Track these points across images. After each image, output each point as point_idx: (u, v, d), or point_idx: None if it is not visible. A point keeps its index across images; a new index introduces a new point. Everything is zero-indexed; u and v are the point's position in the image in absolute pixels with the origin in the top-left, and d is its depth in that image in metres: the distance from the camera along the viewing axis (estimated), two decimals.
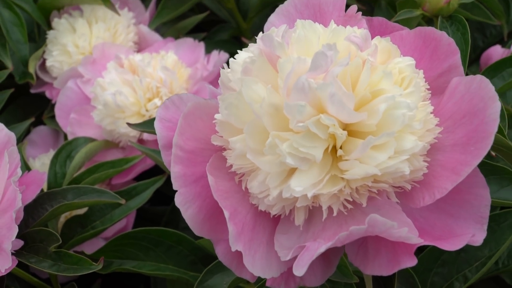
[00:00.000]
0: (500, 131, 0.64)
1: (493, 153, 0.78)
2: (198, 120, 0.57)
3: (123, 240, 0.83)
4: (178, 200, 0.55)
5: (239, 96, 0.53)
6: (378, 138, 0.51)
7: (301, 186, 0.52)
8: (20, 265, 0.82)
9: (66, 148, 0.93)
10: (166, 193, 1.04)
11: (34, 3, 1.12)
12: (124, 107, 0.94)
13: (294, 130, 0.52)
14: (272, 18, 0.64)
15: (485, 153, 0.52)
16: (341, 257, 0.71)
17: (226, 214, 0.52)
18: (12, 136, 0.76)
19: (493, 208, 0.95)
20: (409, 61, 0.56)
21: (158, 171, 0.93)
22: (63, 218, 0.91)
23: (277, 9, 0.64)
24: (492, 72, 0.84)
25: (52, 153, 0.99)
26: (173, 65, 0.98)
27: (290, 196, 0.52)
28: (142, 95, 0.95)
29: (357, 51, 0.54)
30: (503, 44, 1.14)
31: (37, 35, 1.18)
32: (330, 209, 0.54)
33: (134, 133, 0.96)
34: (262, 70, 0.54)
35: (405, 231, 0.50)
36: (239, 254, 0.55)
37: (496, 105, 0.53)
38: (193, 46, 1.07)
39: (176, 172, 0.55)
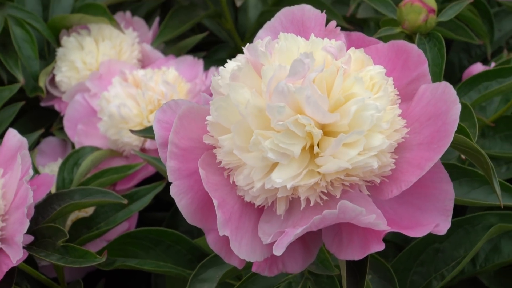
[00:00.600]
0: (466, 134, 0.70)
1: (463, 156, 0.84)
2: (192, 121, 0.64)
3: (125, 239, 0.89)
4: (173, 191, 0.61)
5: (227, 99, 0.60)
6: (348, 135, 0.57)
7: (281, 178, 0.58)
8: (30, 263, 0.89)
9: (73, 156, 1.00)
10: (165, 200, 1.10)
11: (45, 22, 1.20)
12: (127, 118, 1.01)
13: (275, 129, 0.58)
14: (260, 33, 0.71)
15: (445, 149, 0.58)
16: (324, 252, 0.77)
17: (215, 202, 0.59)
18: (24, 141, 0.83)
19: (469, 210, 1.01)
20: (380, 69, 0.62)
21: (159, 178, 1.00)
22: (69, 221, 0.98)
23: (265, 25, 0.71)
24: (469, 85, 0.91)
25: (60, 161, 1.06)
26: (173, 80, 1.05)
27: (271, 187, 0.58)
28: (145, 107, 1.02)
29: (333, 59, 0.61)
30: (487, 63, 1.20)
31: (47, 53, 1.25)
32: (308, 200, 0.60)
33: (137, 142, 1.03)
34: (248, 76, 0.61)
35: (373, 218, 0.57)
36: (227, 243, 0.61)
37: (456, 107, 0.59)
38: (192, 63, 1.14)
39: (171, 166, 0.61)
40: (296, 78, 0.58)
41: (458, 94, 0.87)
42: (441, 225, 0.60)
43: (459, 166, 0.77)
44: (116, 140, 1.04)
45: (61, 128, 1.14)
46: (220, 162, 0.62)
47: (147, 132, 0.80)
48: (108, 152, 1.03)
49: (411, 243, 0.88)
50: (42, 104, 1.20)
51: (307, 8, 0.69)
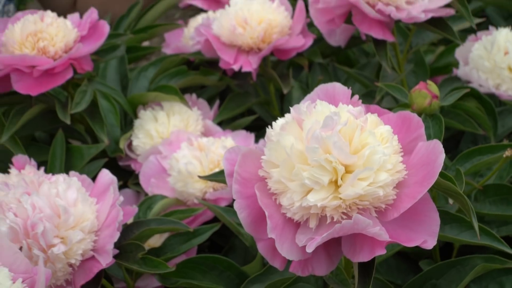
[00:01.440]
0: (453, 182, 0.92)
1: (451, 202, 1.07)
2: (249, 159, 0.87)
3: (187, 264, 1.13)
4: (236, 206, 0.84)
5: (277, 144, 0.84)
6: (362, 171, 0.80)
7: (314, 199, 0.81)
8: (109, 280, 1.12)
9: (147, 201, 1.24)
10: (218, 244, 1.33)
11: (125, 98, 1.47)
12: (193, 174, 1.26)
13: (311, 164, 0.82)
14: (302, 102, 0.96)
15: (431, 185, 0.81)
16: (343, 273, 1.00)
17: (267, 213, 0.82)
18: (114, 178, 1.07)
19: (463, 252, 1.22)
20: (388, 128, 0.85)
21: (216, 221, 1.23)
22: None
23: (306, 97, 0.96)
24: (465, 158, 1.14)
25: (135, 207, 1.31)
26: (230, 146, 1.31)
27: (306, 205, 0.81)
28: (207, 166, 1.27)
29: (354, 119, 0.85)
30: None
31: (124, 125, 1.52)
32: (332, 217, 0.82)
33: (199, 193, 1.27)
34: (293, 128, 0.85)
35: (378, 229, 0.79)
36: (272, 249, 0.84)
37: (442, 156, 0.82)
38: (246, 136, 1.40)
39: (235, 188, 0.85)
40: (327, 129, 0.82)
41: (455, 164, 1.12)
42: (428, 242, 0.82)
43: (450, 213, 1.00)
44: (182, 191, 1.28)
45: (136, 183, 1.40)
46: (270, 188, 0.85)
47: (213, 176, 1.05)
48: (175, 201, 1.28)
49: (412, 279, 1.10)
50: (120, 163, 1.46)
51: (338, 85, 0.94)
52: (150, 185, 1.32)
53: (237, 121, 1.53)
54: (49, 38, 1.34)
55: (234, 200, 0.85)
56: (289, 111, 1.69)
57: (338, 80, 1.71)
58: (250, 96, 1.55)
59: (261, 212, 0.84)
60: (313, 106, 0.87)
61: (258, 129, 1.64)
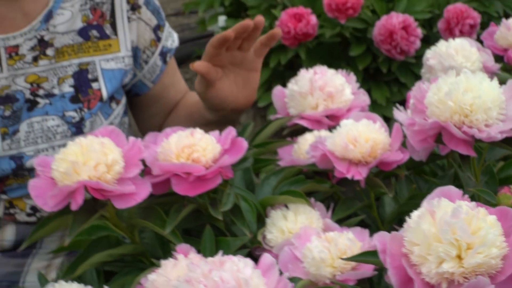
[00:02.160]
0: None
1: None
2: (395, 241, 1.22)
3: None
4: (389, 273, 1.17)
5: (417, 228, 1.18)
6: (480, 247, 1.14)
7: (447, 266, 1.15)
8: None
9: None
10: None
11: (257, 200, 1.84)
12: (325, 260, 1.60)
13: (443, 242, 1.15)
14: (427, 198, 1.30)
15: None
16: None
17: (413, 277, 1.16)
18: (275, 260, 1.41)
19: None
20: (494, 217, 1.19)
21: None
22: None
23: (428, 196, 1.29)
24: None
25: None
26: (352, 238, 1.65)
27: (441, 272, 1.15)
28: (335, 253, 1.60)
29: (471, 210, 1.20)
30: None
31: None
32: (458, 281, 1.16)
33: (329, 276, 1.59)
34: (426, 217, 1.20)
35: (493, 287, 1.13)
36: None
37: None
38: (361, 231, 1.72)
39: (388, 261, 1.18)
40: (454, 217, 1.17)
41: None
42: None
43: None
44: (315, 274, 1.60)
45: None
46: (412, 261, 1.19)
47: (355, 257, 1.40)
48: (309, 282, 1.61)
49: None
50: (256, 253, 1.80)
51: (452, 187, 1.28)
52: (288, 269, 1.66)
53: (349, 220, 1.87)
54: (201, 150, 1.68)
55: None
56: (384, 214, 2.05)
57: (420, 189, 2.06)
58: (355, 200, 1.90)
59: (406, 278, 1.17)
60: (440, 202, 1.22)
61: (364, 227, 1.97)
